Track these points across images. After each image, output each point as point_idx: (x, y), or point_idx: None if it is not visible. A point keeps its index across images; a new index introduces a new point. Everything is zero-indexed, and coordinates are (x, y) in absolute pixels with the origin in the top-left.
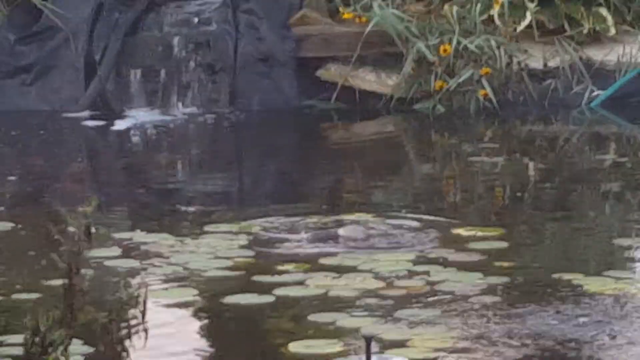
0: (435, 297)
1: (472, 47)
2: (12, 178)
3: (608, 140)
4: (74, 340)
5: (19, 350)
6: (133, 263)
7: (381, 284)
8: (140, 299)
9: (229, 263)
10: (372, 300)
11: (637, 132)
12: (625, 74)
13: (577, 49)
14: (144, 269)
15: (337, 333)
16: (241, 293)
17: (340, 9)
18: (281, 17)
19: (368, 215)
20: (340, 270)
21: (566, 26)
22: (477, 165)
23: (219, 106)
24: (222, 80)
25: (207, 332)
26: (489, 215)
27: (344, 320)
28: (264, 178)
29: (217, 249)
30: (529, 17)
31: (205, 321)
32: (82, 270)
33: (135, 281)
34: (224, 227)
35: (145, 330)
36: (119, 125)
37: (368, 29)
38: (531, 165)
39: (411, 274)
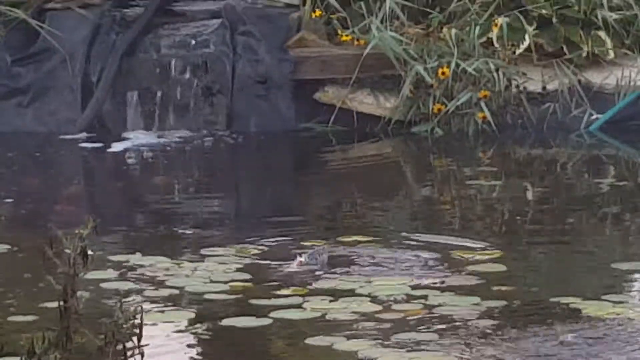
0: (433, 321)
1: (470, 70)
2: (9, 200)
3: (607, 164)
4: None
5: None
6: (129, 285)
7: (378, 307)
8: (136, 322)
9: (226, 287)
10: (369, 324)
11: (636, 156)
12: (624, 97)
13: (576, 72)
14: (140, 292)
15: (334, 356)
16: (238, 316)
17: (339, 32)
18: (279, 39)
19: (365, 238)
20: (336, 294)
21: (565, 49)
22: (476, 188)
23: (216, 128)
24: (220, 103)
25: (204, 355)
26: (487, 238)
27: (341, 344)
28: (261, 201)
29: (213, 272)
30: (527, 40)
31: (202, 344)
32: (78, 293)
33: (131, 304)
34: (220, 250)
35: (141, 354)
36: (116, 147)
37: (366, 51)
38: (530, 188)
39: (409, 298)
